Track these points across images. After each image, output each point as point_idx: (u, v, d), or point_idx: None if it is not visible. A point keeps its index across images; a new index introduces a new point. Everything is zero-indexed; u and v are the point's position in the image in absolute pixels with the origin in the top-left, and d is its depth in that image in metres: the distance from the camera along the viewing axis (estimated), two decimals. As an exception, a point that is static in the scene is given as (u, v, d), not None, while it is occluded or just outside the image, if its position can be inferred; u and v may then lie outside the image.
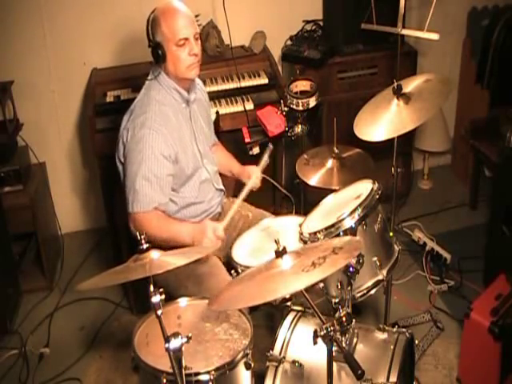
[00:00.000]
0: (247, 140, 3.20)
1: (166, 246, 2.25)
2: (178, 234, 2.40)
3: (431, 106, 2.41)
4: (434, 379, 2.83)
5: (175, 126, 2.46)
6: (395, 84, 2.45)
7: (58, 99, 3.68)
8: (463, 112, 4.18)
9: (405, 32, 2.83)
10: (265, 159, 2.69)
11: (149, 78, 2.50)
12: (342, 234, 2.13)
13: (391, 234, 2.44)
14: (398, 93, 2.44)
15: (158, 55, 2.40)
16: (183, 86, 2.50)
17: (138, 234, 1.83)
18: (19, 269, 3.52)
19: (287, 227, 2.48)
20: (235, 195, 2.88)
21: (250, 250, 2.42)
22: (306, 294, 1.79)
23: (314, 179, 2.74)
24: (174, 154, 2.43)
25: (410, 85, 2.51)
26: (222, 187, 2.73)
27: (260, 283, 1.73)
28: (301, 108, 2.96)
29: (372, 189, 2.25)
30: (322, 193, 2.51)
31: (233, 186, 3.06)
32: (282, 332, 2.23)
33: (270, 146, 2.74)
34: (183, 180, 2.51)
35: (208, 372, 1.90)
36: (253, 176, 2.66)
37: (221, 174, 2.79)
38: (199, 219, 2.61)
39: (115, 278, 1.83)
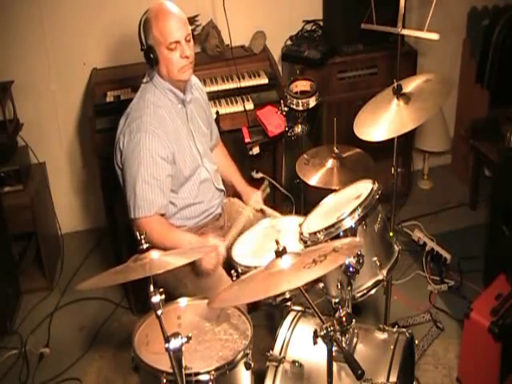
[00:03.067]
0: (247, 140, 3.20)
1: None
2: (179, 244, 2.38)
3: (431, 106, 2.41)
4: (434, 379, 2.83)
5: (171, 127, 2.46)
6: (395, 84, 2.45)
7: (58, 99, 3.68)
8: (463, 112, 4.18)
9: (405, 32, 2.83)
10: (266, 191, 2.74)
11: (144, 80, 2.51)
12: (342, 233, 2.13)
13: (391, 234, 2.44)
14: (398, 93, 2.44)
15: (151, 58, 2.40)
16: (178, 87, 2.50)
17: (137, 234, 1.84)
18: (19, 269, 3.52)
19: (287, 227, 2.48)
20: (235, 195, 2.89)
21: (249, 250, 2.41)
22: (305, 294, 1.79)
23: (314, 179, 2.74)
24: (172, 154, 2.43)
25: (410, 85, 2.51)
26: (222, 187, 2.72)
27: (261, 280, 1.73)
28: (301, 108, 2.96)
29: (372, 189, 2.25)
30: (322, 193, 2.51)
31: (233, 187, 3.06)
32: (282, 332, 2.23)
33: (266, 181, 2.79)
34: (182, 181, 2.51)
35: (208, 372, 1.91)
36: (251, 202, 2.71)
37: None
38: (199, 220, 2.61)
39: (115, 277, 1.83)
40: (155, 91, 2.46)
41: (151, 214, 2.39)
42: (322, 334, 1.77)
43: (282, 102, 3.06)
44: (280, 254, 1.75)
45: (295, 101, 2.96)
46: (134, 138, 2.37)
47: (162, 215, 2.45)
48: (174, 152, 2.44)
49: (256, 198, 2.75)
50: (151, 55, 2.39)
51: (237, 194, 2.88)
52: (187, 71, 2.45)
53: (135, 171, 2.37)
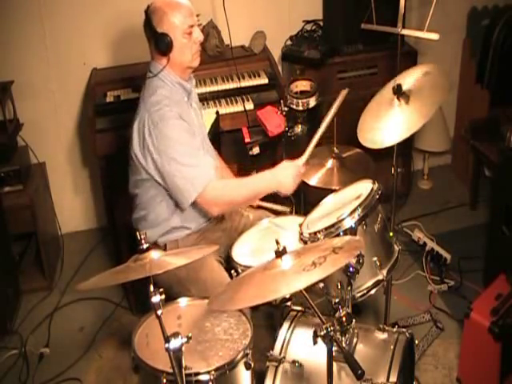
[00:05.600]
0: (247, 140, 3.20)
1: (250, 203, 2.42)
2: (258, 185, 2.40)
3: (433, 101, 2.40)
4: (434, 379, 2.83)
5: (188, 119, 2.44)
6: (395, 84, 2.44)
7: (57, 99, 3.69)
8: (463, 112, 4.18)
9: (405, 32, 2.83)
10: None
11: (149, 75, 2.47)
12: (341, 234, 2.13)
13: (391, 234, 2.44)
14: (399, 92, 2.44)
15: (165, 45, 2.39)
16: (184, 78, 2.50)
17: (137, 233, 1.83)
18: (19, 269, 3.52)
19: (287, 227, 2.48)
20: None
21: (250, 250, 2.41)
22: (306, 294, 1.79)
23: (313, 179, 2.74)
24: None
25: (409, 79, 2.50)
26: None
27: (260, 283, 1.73)
28: (301, 108, 2.96)
29: (372, 189, 2.25)
30: (322, 193, 2.51)
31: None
32: (282, 332, 2.23)
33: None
34: None
35: (208, 372, 1.90)
36: None
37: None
38: (203, 221, 2.59)
39: (115, 277, 1.83)
40: (164, 86, 2.45)
41: (206, 185, 2.35)
42: (322, 334, 1.77)
43: (281, 102, 3.06)
44: (280, 253, 1.75)
45: (295, 101, 2.96)
46: (161, 128, 2.34)
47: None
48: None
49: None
50: (165, 41, 2.38)
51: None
52: (198, 57, 2.48)
53: (175, 155, 2.33)
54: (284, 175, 2.42)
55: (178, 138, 2.35)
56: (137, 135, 2.40)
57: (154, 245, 2.48)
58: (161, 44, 2.40)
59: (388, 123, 2.42)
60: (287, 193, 2.45)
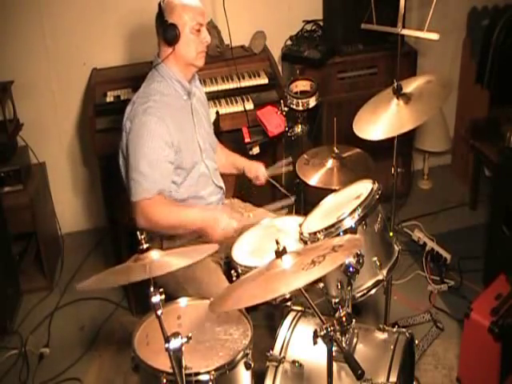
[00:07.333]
0: (247, 140, 3.20)
1: (175, 233, 2.32)
2: (187, 218, 2.38)
3: (431, 106, 2.41)
4: (434, 379, 2.83)
5: (177, 116, 2.47)
6: (395, 84, 2.45)
7: (58, 99, 3.69)
8: (463, 112, 4.18)
9: (405, 32, 2.83)
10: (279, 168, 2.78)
11: (153, 64, 2.51)
12: (342, 233, 2.13)
13: (391, 234, 2.44)
14: (398, 92, 2.44)
15: (172, 35, 2.41)
16: (186, 77, 2.51)
17: (137, 233, 1.83)
18: (19, 269, 3.52)
19: (287, 227, 2.48)
20: (234, 196, 2.88)
21: (250, 250, 2.41)
22: (305, 294, 1.79)
23: (314, 179, 2.74)
24: (177, 142, 2.43)
25: (411, 85, 2.51)
26: (221, 185, 2.72)
27: (260, 283, 1.73)
28: (301, 108, 2.96)
29: (372, 189, 2.25)
30: (322, 193, 2.51)
31: (233, 187, 3.06)
32: (282, 332, 2.23)
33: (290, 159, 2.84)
34: (180, 171, 2.51)
35: (208, 372, 1.90)
36: (259, 173, 2.75)
37: (223, 175, 2.78)
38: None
39: (115, 278, 1.83)
40: (161, 80, 2.48)
41: (152, 196, 2.37)
42: (322, 333, 1.77)
43: (282, 101, 3.06)
44: (280, 254, 1.75)
45: (295, 101, 2.95)
46: (139, 122, 2.38)
47: None
48: (179, 141, 2.44)
49: (262, 170, 2.78)
50: (173, 32, 2.40)
51: (235, 195, 2.88)
52: (203, 58, 2.50)
53: (137, 154, 2.37)
54: (212, 224, 2.38)
55: (149, 141, 2.36)
56: (124, 117, 2.47)
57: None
58: (168, 33, 2.42)
59: (383, 118, 2.43)
60: (212, 238, 2.37)
